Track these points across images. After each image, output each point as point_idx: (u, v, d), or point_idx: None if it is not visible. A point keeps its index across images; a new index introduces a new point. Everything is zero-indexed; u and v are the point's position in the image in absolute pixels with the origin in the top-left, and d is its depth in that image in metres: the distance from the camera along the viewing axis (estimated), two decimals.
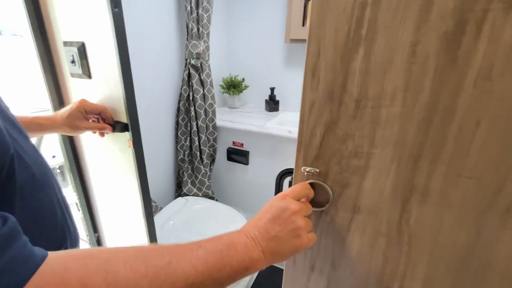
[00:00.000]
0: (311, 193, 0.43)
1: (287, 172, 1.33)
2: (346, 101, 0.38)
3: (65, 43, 0.77)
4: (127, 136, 0.72)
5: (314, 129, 0.41)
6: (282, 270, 0.52)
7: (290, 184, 0.48)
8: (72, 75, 0.81)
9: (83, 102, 0.68)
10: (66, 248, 0.52)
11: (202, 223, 1.14)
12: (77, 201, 0.96)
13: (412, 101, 0.34)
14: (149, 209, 0.82)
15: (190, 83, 1.33)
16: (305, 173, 0.43)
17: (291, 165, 1.33)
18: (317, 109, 0.40)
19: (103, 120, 0.72)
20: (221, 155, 1.46)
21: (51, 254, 0.28)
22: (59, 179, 1.70)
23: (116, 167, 0.82)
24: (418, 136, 0.35)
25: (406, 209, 0.38)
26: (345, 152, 0.40)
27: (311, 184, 0.44)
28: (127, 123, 0.71)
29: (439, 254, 0.38)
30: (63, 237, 0.52)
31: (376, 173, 0.39)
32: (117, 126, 0.71)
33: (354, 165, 0.40)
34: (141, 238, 0.88)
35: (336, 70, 0.37)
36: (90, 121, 0.71)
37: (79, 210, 0.98)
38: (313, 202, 0.44)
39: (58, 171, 1.71)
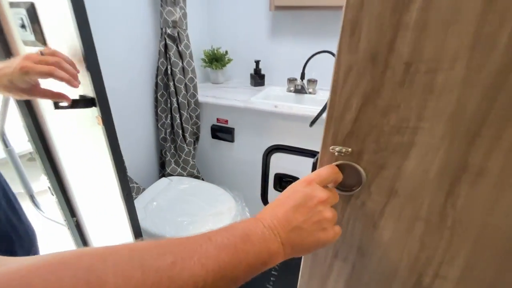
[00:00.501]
0: (339, 177, 0.37)
1: (274, 149, 1.28)
2: (393, 64, 0.31)
3: (12, 4, 0.62)
4: (95, 112, 0.61)
5: (349, 100, 0.34)
6: None
7: (314, 167, 0.42)
8: (25, 42, 0.66)
9: (25, 66, 0.48)
10: (15, 253, 0.43)
11: (188, 203, 1.07)
12: (50, 185, 0.84)
13: (479, 62, 0.27)
14: (127, 190, 0.73)
15: (168, 55, 1.18)
16: (335, 153, 0.37)
17: (277, 141, 1.27)
18: (355, 75, 0.32)
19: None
20: (205, 132, 1.36)
21: (4, 266, 0.19)
22: (35, 164, 1.50)
23: (88, 147, 0.70)
24: (481, 106, 0.29)
25: (454, 191, 0.33)
26: (386, 128, 0.34)
27: (340, 165, 0.38)
28: (93, 97, 0.59)
29: (486, 239, 0.34)
30: (9, 242, 0.42)
31: (422, 152, 0.33)
32: (81, 102, 0.59)
33: (396, 142, 0.34)
34: (122, 220, 0.79)
35: (384, 24, 0.30)
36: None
37: (53, 195, 0.86)
38: (342, 185, 0.39)
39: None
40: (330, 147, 0.37)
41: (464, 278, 0.38)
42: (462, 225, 0.35)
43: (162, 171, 1.36)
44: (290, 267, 1.32)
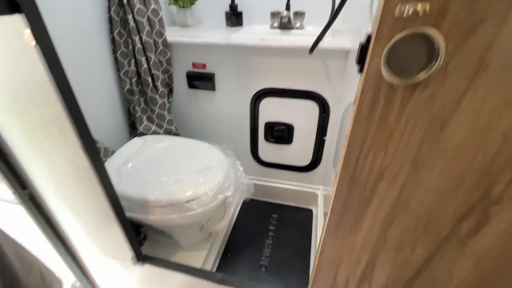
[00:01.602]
0: None
1: (263, 93, 1.13)
2: None
3: None
4: (20, 23, 0.41)
5: None
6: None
7: (364, 51, 0.29)
8: None
9: None
10: None
11: (169, 161, 0.92)
12: None
13: None
14: (91, 144, 0.56)
15: None
16: (405, 14, 0.24)
17: (266, 84, 1.10)
18: None
19: None
20: (180, 82, 1.17)
21: None
22: None
23: (22, 82, 0.50)
24: None
25: None
26: None
27: (402, 40, 0.26)
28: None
29: None
30: None
31: None
32: None
33: None
34: (92, 187, 0.64)
35: None
36: None
37: None
38: (402, 72, 0.27)
39: None
40: (397, 7, 0.25)
41: None
42: None
43: (134, 131, 1.17)
44: (288, 223, 1.27)
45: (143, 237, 1.06)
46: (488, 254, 0.39)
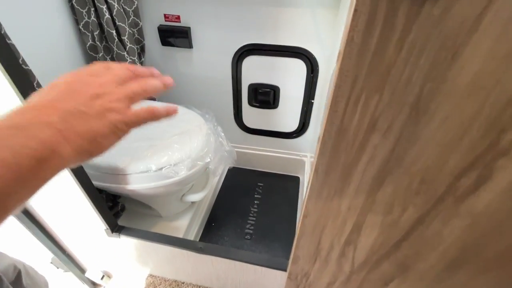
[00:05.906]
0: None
1: (247, 50, 1.00)
2: None
3: None
4: None
5: None
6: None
7: None
8: None
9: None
10: None
11: (143, 127, 0.83)
12: None
13: None
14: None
15: None
16: None
17: (249, 38, 0.94)
18: None
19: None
20: (152, 38, 1.04)
21: None
22: None
23: None
24: None
25: None
26: None
27: None
28: None
29: None
30: None
31: None
32: None
33: None
34: None
35: None
36: None
37: None
38: None
39: None
40: None
41: None
42: None
43: None
44: (274, 191, 1.24)
45: (120, 208, 1.00)
46: (485, 213, 0.35)
